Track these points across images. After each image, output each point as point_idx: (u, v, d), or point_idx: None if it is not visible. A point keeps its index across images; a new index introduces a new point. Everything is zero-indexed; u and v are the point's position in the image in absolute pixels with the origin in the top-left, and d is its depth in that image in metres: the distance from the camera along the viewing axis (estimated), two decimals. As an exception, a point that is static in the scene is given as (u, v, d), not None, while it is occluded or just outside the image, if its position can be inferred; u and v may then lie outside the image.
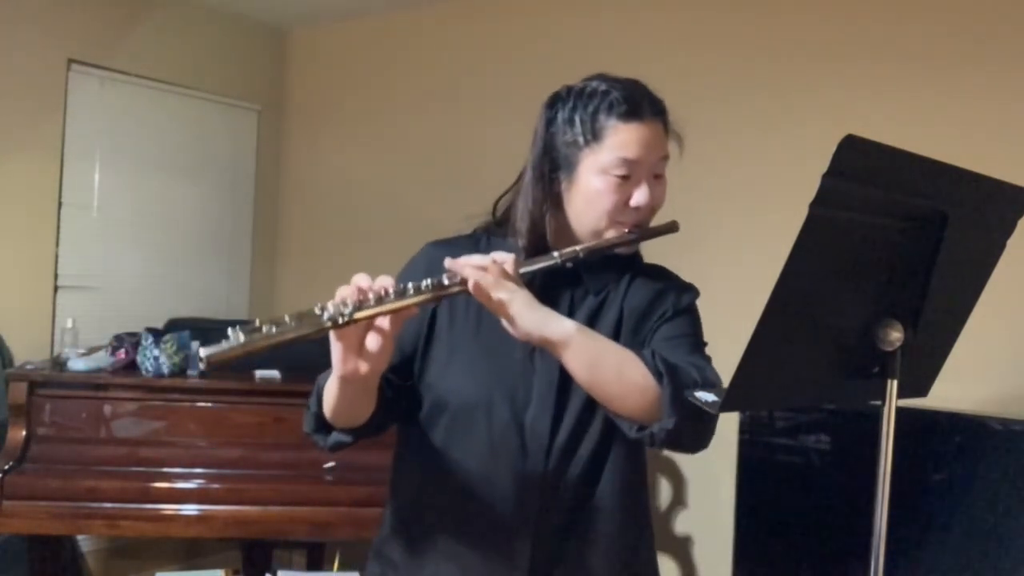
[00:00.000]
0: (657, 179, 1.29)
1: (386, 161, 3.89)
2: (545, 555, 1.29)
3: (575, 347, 1.15)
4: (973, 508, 2.24)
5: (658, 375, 1.15)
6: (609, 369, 1.16)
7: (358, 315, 1.07)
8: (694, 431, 1.17)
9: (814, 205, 0.98)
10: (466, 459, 1.30)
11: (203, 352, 1.00)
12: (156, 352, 2.80)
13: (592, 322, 1.29)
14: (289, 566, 3.40)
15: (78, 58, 3.46)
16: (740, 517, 2.66)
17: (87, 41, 3.48)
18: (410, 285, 1.11)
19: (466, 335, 1.31)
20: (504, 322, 1.17)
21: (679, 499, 3.15)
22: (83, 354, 2.89)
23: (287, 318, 1.05)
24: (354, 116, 4.04)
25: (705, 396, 1.10)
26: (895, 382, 1.13)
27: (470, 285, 1.14)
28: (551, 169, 1.28)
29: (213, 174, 3.96)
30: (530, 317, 1.15)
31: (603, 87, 1.27)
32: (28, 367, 2.84)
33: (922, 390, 1.30)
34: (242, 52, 4.07)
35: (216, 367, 1.01)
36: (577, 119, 1.26)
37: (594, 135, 1.24)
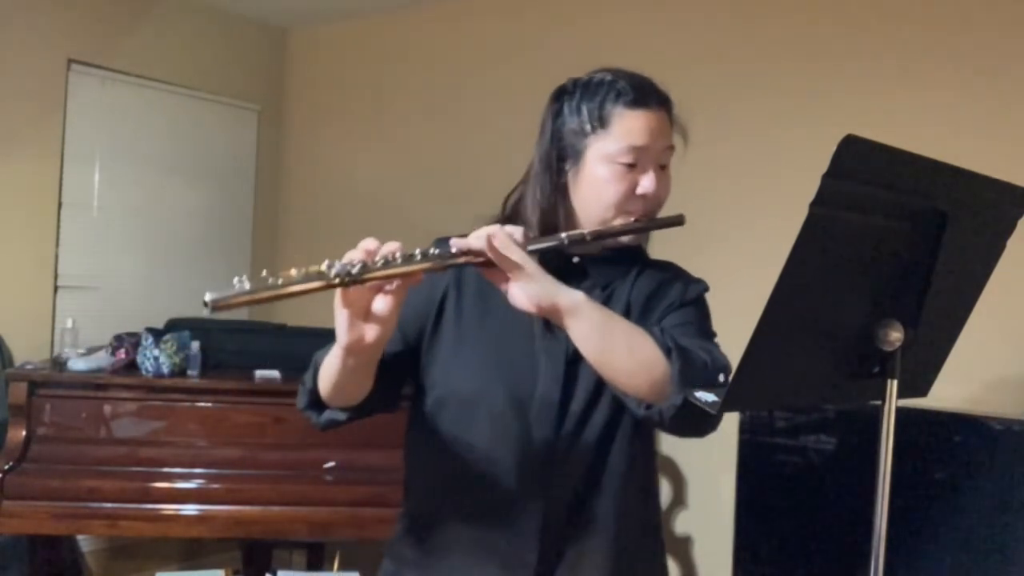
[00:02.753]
0: (663, 170, 1.29)
1: (386, 161, 3.89)
2: (555, 535, 1.28)
3: (584, 315, 1.13)
4: (973, 508, 2.24)
5: (667, 351, 1.13)
6: (618, 340, 1.14)
7: (366, 276, 1.06)
8: (702, 412, 1.14)
9: (814, 205, 0.98)
10: (473, 449, 1.29)
11: (208, 296, 1.00)
12: (156, 352, 2.80)
13: None
14: (289, 566, 3.40)
15: (78, 58, 3.46)
16: (740, 517, 2.66)
17: (87, 41, 3.48)
18: (417, 251, 1.10)
19: (472, 326, 1.31)
20: (511, 294, 1.14)
21: (679, 499, 3.15)
22: (83, 354, 2.89)
23: (294, 272, 1.04)
24: (354, 116, 4.04)
25: (706, 396, 1.10)
26: (895, 382, 1.13)
27: (486, 244, 1.11)
28: (558, 160, 1.28)
29: (213, 174, 3.96)
30: (541, 282, 1.13)
31: (609, 77, 1.28)
32: (28, 367, 2.84)
33: (922, 390, 1.30)
34: (242, 52, 4.07)
35: (220, 310, 1.00)
36: (584, 108, 1.26)
37: (601, 122, 1.25)
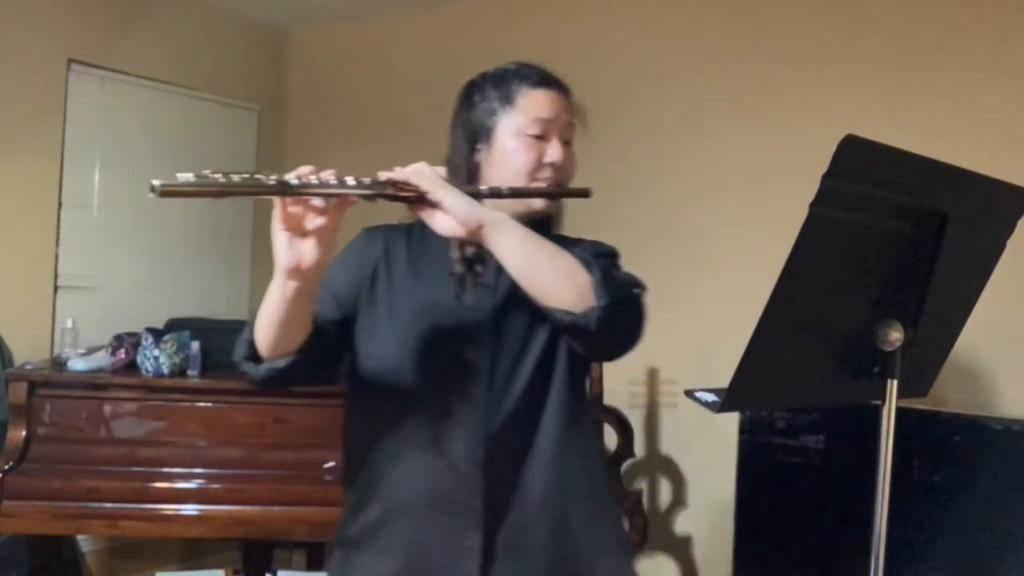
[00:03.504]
0: (567, 145, 1.39)
1: (386, 161, 3.88)
2: (498, 479, 1.32)
3: (509, 229, 1.22)
4: (973, 508, 2.24)
5: (587, 264, 1.23)
6: (541, 253, 1.23)
7: (302, 189, 1.15)
8: (626, 317, 1.24)
9: (814, 205, 0.98)
10: (411, 413, 1.34)
11: (155, 181, 1.09)
12: (156, 352, 2.79)
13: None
14: (289, 566, 3.40)
15: (78, 58, 3.45)
16: (740, 517, 2.66)
17: (87, 41, 3.48)
18: (350, 178, 1.19)
19: (403, 297, 1.37)
20: (438, 222, 1.22)
21: (679, 499, 3.15)
22: (83, 354, 2.88)
23: (235, 176, 1.15)
24: (354, 116, 4.04)
25: (705, 396, 1.10)
26: (895, 382, 1.13)
27: (411, 176, 1.22)
28: (471, 142, 1.39)
29: (213, 174, 3.95)
30: (466, 203, 1.22)
31: (514, 66, 1.41)
32: (28, 367, 2.83)
33: (922, 390, 1.30)
34: (242, 52, 4.07)
35: (167, 196, 1.12)
36: (492, 92, 1.39)
37: (508, 100, 1.37)
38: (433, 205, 1.22)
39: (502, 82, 1.39)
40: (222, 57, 3.98)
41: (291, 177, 1.16)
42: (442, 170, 1.30)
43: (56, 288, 3.42)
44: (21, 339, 3.22)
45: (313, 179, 1.17)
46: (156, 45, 3.71)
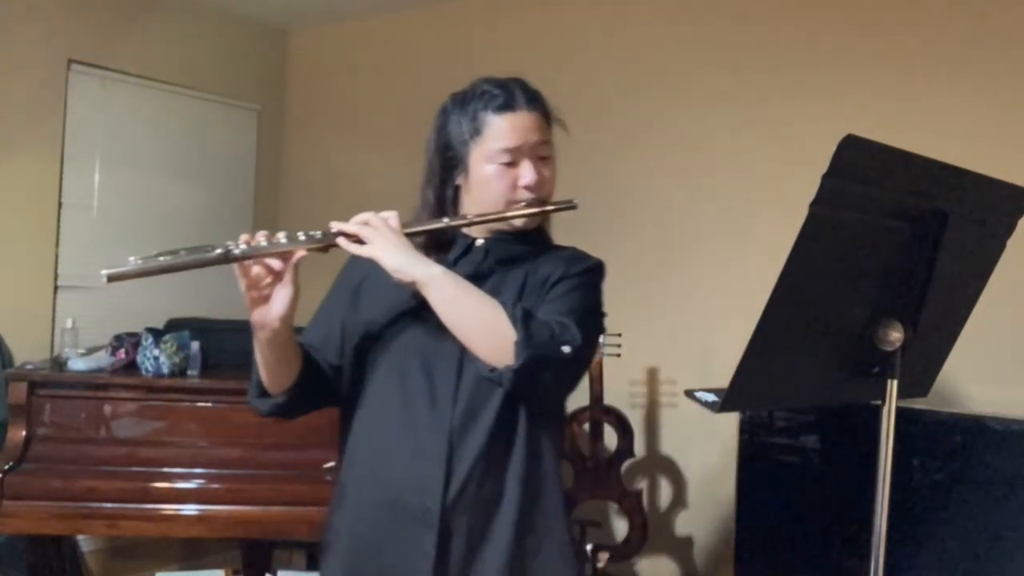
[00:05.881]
0: (543, 160, 1.40)
1: (386, 161, 3.89)
2: (456, 503, 1.33)
3: (438, 286, 1.29)
4: (973, 508, 2.24)
5: (514, 321, 1.26)
6: (469, 310, 1.29)
7: (249, 254, 1.24)
8: (542, 378, 1.27)
9: (814, 204, 0.98)
10: (385, 415, 1.39)
11: (104, 271, 1.17)
12: (156, 352, 2.80)
13: (497, 288, 1.37)
14: (289, 566, 3.40)
15: (78, 58, 3.45)
16: (740, 517, 2.66)
17: (87, 41, 3.48)
18: (300, 233, 1.28)
19: (384, 300, 1.42)
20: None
21: (679, 499, 3.15)
22: (83, 354, 2.88)
23: (182, 251, 1.24)
24: (354, 116, 4.04)
25: (705, 396, 1.10)
26: (895, 382, 1.13)
27: (359, 230, 1.29)
28: (450, 168, 1.42)
29: (213, 174, 3.95)
30: (398, 258, 1.29)
31: (481, 88, 1.42)
32: (28, 367, 2.83)
33: (922, 390, 1.30)
34: (242, 52, 4.07)
35: (115, 281, 1.19)
36: (462, 120, 1.41)
37: (476, 130, 1.39)
38: None
39: (468, 108, 1.40)
40: (222, 57, 3.97)
41: (235, 245, 1.25)
42: (393, 215, 1.34)
43: (56, 288, 3.41)
44: (21, 339, 3.22)
45: (263, 241, 1.27)
46: (156, 45, 3.71)
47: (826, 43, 2.84)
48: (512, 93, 1.39)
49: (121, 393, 2.76)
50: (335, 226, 1.31)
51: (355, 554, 1.39)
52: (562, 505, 1.43)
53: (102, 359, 2.88)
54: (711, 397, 1.09)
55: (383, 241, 1.29)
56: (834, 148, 0.95)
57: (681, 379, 3.05)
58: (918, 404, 1.26)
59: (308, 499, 2.67)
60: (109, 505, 2.59)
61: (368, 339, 1.42)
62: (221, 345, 3.02)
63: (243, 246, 1.25)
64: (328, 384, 1.45)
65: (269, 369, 1.37)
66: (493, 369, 1.27)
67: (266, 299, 1.30)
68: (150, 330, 2.89)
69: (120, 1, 3.60)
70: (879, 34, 2.75)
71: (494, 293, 1.34)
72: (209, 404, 2.79)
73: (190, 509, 2.63)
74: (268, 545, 3.14)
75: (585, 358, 1.33)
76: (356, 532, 1.39)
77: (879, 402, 1.14)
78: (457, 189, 1.43)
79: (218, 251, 1.22)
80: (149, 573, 3.32)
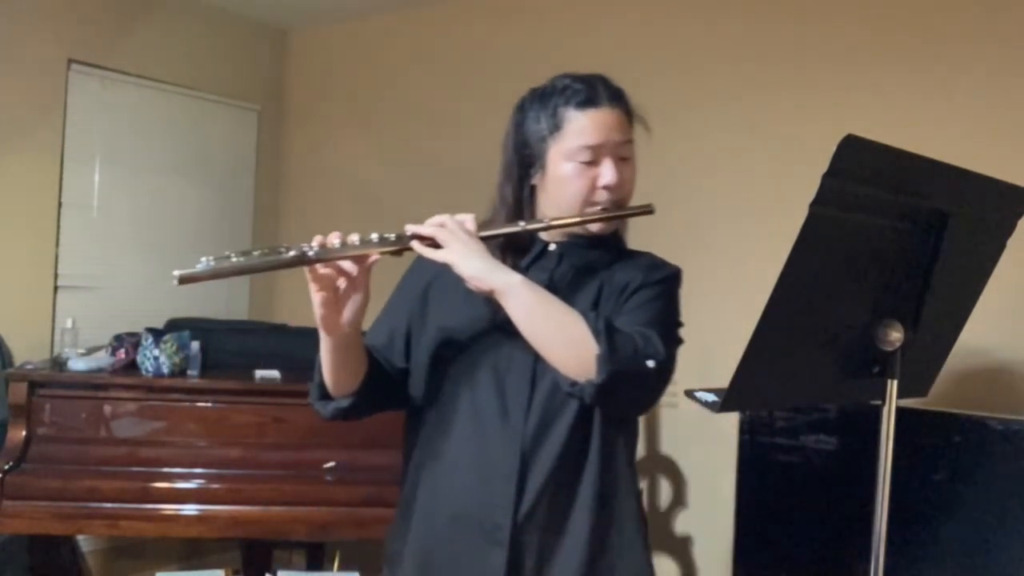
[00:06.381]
0: (624, 161, 1.36)
1: (386, 161, 3.89)
2: (527, 521, 1.30)
3: (517, 295, 1.23)
4: (973, 508, 2.24)
5: (597, 334, 1.20)
6: (549, 320, 1.23)
7: (322, 256, 1.20)
8: (625, 393, 1.23)
9: (814, 204, 0.98)
10: (455, 426, 1.35)
11: (176, 272, 1.18)
12: (156, 352, 2.80)
13: (572, 295, 1.32)
14: (289, 566, 3.40)
15: (78, 58, 3.45)
16: (740, 517, 2.66)
17: (87, 41, 3.48)
18: (374, 235, 1.23)
19: (454, 305, 1.37)
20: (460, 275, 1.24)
21: (679, 499, 3.15)
22: (83, 354, 2.88)
23: (255, 253, 1.19)
24: (354, 116, 4.04)
25: (705, 396, 1.10)
26: (895, 382, 1.13)
27: (435, 232, 1.24)
28: (527, 166, 1.36)
29: (213, 174, 3.95)
30: (476, 265, 1.24)
31: (562, 83, 1.35)
32: (28, 367, 2.83)
33: (922, 390, 1.30)
34: (242, 52, 4.07)
35: (186, 283, 1.19)
36: (541, 116, 1.34)
37: (556, 126, 1.33)
38: None
39: (548, 104, 1.34)
40: (222, 57, 3.97)
41: (310, 247, 1.20)
42: (470, 218, 1.28)
43: (56, 288, 3.41)
44: (21, 339, 3.22)
45: (336, 242, 1.21)
46: (156, 45, 3.71)
47: (827, 43, 2.84)
48: (595, 88, 1.33)
49: (121, 393, 2.76)
50: (410, 228, 1.26)
51: (422, 569, 1.35)
52: (639, 524, 1.39)
53: (102, 359, 2.88)
54: (711, 397, 1.09)
55: (459, 246, 1.24)
56: (834, 148, 0.95)
57: (681, 379, 3.03)
58: (918, 404, 1.26)
59: (308, 499, 2.67)
60: (109, 505, 2.59)
61: (437, 345, 1.38)
62: (221, 345, 3.02)
63: (317, 248, 1.20)
64: (393, 388, 1.41)
65: (334, 372, 1.33)
66: (574, 383, 1.22)
67: (336, 302, 1.25)
68: (150, 330, 2.89)
69: (120, 1, 3.60)
70: (879, 34, 2.75)
71: (568, 300, 1.28)
72: (209, 404, 2.79)
73: (190, 509, 2.63)
74: (268, 545, 3.14)
75: (669, 371, 1.28)
76: (423, 547, 1.35)
77: (879, 402, 1.14)
78: (533, 188, 1.37)
79: (292, 253, 1.19)
80: (149, 573, 3.32)
